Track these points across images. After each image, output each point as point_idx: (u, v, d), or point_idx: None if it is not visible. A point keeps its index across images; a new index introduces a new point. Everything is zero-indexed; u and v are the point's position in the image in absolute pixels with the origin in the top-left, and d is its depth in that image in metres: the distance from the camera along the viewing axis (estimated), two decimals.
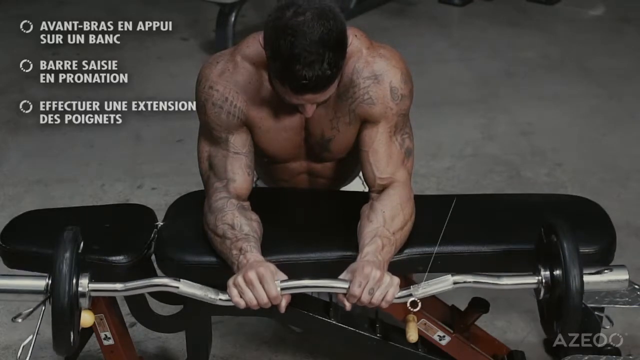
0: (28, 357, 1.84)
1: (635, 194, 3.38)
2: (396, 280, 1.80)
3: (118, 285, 1.84)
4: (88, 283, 1.80)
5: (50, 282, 1.76)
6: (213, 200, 1.95)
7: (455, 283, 1.82)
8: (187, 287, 1.81)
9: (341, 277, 1.82)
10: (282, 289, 1.78)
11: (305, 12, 1.77)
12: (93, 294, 1.83)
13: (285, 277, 1.81)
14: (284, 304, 1.81)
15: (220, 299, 1.81)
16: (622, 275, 1.85)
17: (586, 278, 1.77)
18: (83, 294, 1.80)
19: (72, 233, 1.80)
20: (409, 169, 2.01)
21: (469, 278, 1.83)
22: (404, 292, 1.82)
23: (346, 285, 1.79)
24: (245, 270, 1.78)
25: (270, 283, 1.78)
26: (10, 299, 1.83)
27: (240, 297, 1.78)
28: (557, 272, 1.79)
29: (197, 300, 2.09)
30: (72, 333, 1.79)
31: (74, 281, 1.77)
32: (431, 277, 2.54)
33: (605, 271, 1.84)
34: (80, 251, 1.82)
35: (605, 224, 2.09)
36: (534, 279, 1.84)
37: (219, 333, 2.55)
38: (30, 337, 1.81)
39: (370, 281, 1.78)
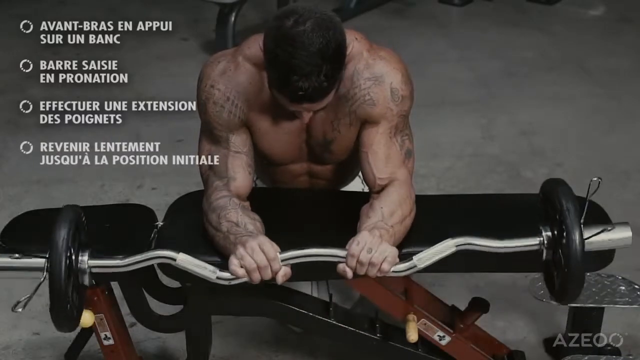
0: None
1: (635, 194, 3.38)
2: (395, 248, 1.81)
3: (118, 262, 1.86)
4: (88, 259, 1.82)
5: (48, 256, 1.77)
6: (213, 198, 1.95)
7: (457, 246, 1.82)
8: (184, 262, 1.82)
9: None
10: (282, 260, 1.80)
11: (306, 22, 1.77)
12: (94, 270, 1.85)
13: None
14: (282, 273, 1.81)
15: (217, 277, 1.81)
16: (624, 233, 1.86)
17: (588, 236, 1.79)
18: (84, 271, 1.82)
19: (72, 208, 1.81)
20: (410, 169, 2.01)
21: (471, 240, 1.83)
22: (408, 264, 1.81)
23: (343, 254, 1.80)
24: (245, 240, 1.80)
25: (269, 246, 1.79)
26: (9, 277, 1.85)
27: (241, 267, 1.79)
28: (558, 231, 1.81)
29: (197, 301, 2.09)
30: (71, 306, 1.80)
31: (73, 257, 1.79)
32: (432, 276, 2.54)
33: (608, 229, 1.85)
34: (82, 229, 1.84)
35: (605, 224, 2.09)
36: (535, 240, 1.86)
37: (219, 333, 2.55)
38: (28, 295, 1.81)
39: (369, 242, 1.78)
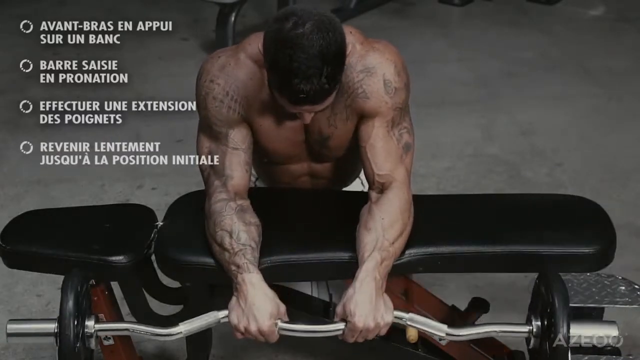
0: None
1: (635, 194, 3.38)
2: (389, 318, 1.83)
3: (123, 325, 1.96)
4: (94, 324, 1.88)
5: (57, 325, 1.84)
6: (213, 201, 1.94)
7: (447, 334, 1.87)
8: (189, 326, 1.86)
9: (338, 310, 1.85)
10: (279, 329, 1.84)
11: (305, 24, 1.76)
12: (100, 333, 1.91)
13: (284, 308, 1.85)
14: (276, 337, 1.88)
15: (221, 319, 1.86)
16: (611, 332, 1.92)
17: (575, 331, 1.85)
18: (90, 335, 1.88)
19: (78, 276, 1.86)
20: (408, 165, 2.00)
21: (462, 332, 1.88)
22: (399, 314, 1.85)
23: (342, 327, 1.84)
24: (246, 322, 1.82)
25: (270, 335, 1.84)
26: (22, 342, 1.90)
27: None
28: (547, 324, 1.85)
29: (197, 301, 2.10)
30: None
31: (80, 326, 1.84)
32: (432, 276, 2.54)
33: (596, 325, 1.92)
34: (86, 295, 1.89)
35: (605, 224, 2.09)
36: (525, 329, 1.90)
37: (219, 333, 2.54)
38: None
39: (364, 332, 1.83)
